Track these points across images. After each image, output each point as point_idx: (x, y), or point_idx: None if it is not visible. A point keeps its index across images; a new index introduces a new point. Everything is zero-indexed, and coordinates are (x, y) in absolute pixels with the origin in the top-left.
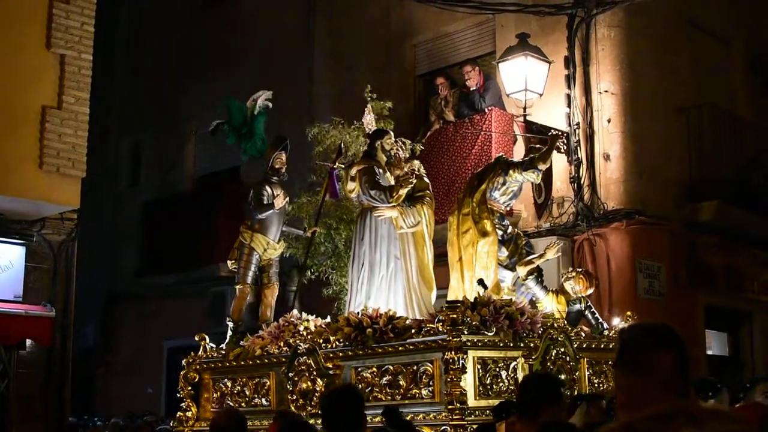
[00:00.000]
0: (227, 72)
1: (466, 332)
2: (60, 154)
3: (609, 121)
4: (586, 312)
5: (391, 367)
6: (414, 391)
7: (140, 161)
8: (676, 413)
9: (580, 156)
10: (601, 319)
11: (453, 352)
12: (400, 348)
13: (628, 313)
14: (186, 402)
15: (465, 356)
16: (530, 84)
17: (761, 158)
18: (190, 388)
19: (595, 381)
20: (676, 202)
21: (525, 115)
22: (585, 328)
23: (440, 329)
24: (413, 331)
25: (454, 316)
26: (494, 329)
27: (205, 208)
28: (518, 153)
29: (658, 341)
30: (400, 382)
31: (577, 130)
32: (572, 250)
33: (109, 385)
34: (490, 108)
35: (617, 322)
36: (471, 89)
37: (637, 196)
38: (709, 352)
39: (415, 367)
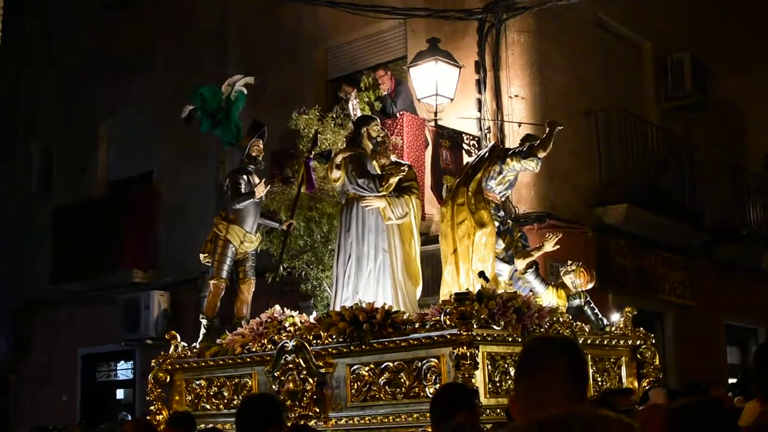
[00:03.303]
0: (138, 75)
1: (475, 326)
2: None
3: (519, 125)
4: (585, 307)
5: (391, 364)
6: (417, 389)
7: (51, 166)
8: (568, 418)
9: None
10: (600, 315)
11: (464, 347)
12: (402, 343)
13: (628, 309)
14: (156, 405)
15: (476, 351)
16: (441, 89)
17: (669, 162)
18: (160, 390)
19: (599, 379)
20: (586, 205)
21: (436, 120)
22: (583, 325)
23: (447, 323)
24: (416, 325)
25: (464, 309)
26: (502, 323)
27: (118, 214)
28: (429, 157)
29: (555, 350)
30: (402, 380)
31: (488, 135)
32: None
33: (22, 393)
34: (401, 113)
35: (616, 318)
36: (383, 94)
37: (547, 199)
38: None
39: (418, 364)
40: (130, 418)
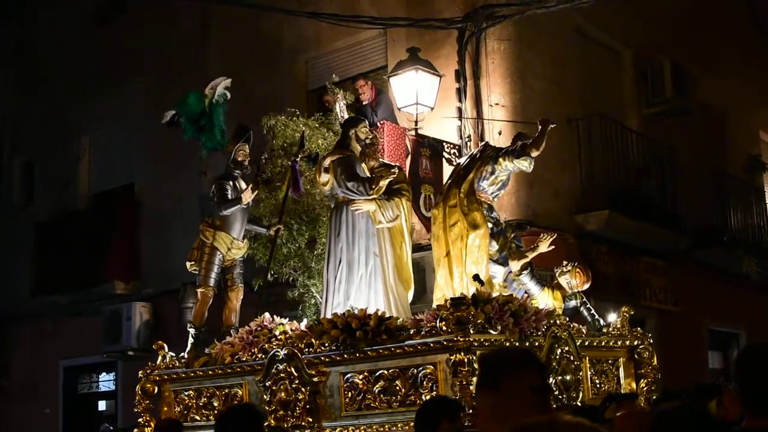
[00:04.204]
0: (120, 88)
1: (472, 331)
2: None
3: (500, 133)
4: (582, 308)
5: (386, 372)
6: (413, 396)
7: (33, 179)
8: (538, 426)
9: None
10: (597, 316)
11: (462, 353)
12: (397, 350)
13: (624, 309)
14: (144, 417)
15: (474, 357)
16: (421, 98)
17: (651, 168)
18: (148, 401)
19: (597, 381)
20: (567, 212)
21: (416, 129)
22: (580, 326)
23: (444, 329)
24: (412, 331)
25: (460, 314)
26: (499, 327)
27: (100, 226)
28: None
29: (518, 361)
30: (397, 388)
31: (468, 143)
32: None
33: (4, 406)
34: (382, 122)
35: (613, 318)
36: (363, 103)
37: (528, 206)
38: None
39: (414, 371)
40: (112, 429)
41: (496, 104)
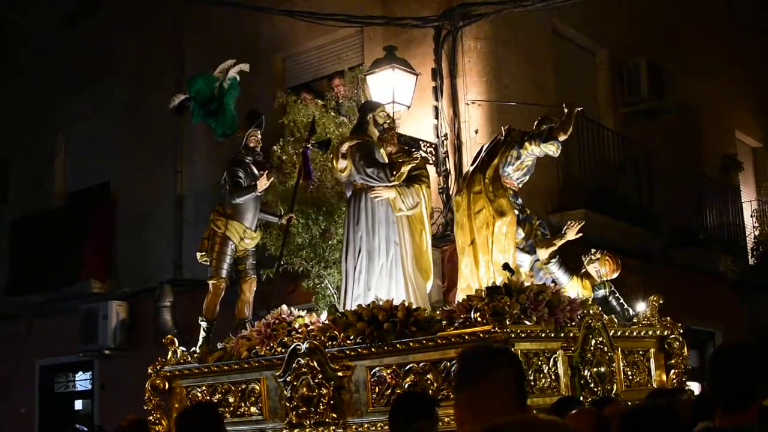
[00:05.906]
0: (97, 86)
1: (508, 322)
2: None
3: (477, 131)
4: (610, 297)
5: (416, 365)
6: (446, 391)
7: (8, 177)
8: (514, 425)
9: (448, 167)
10: (626, 305)
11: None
12: (429, 343)
13: (653, 297)
14: (155, 414)
15: (512, 349)
16: (398, 96)
17: (627, 167)
18: (158, 398)
19: (629, 372)
20: (543, 211)
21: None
22: (613, 316)
23: (479, 320)
24: (444, 323)
25: (496, 304)
26: (534, 318)
27: (76, 225)
28: None
29: (497, 358)
30: (429, 382)
31: (445, 142)
32: (442, 261)
33: None
34: None
35: (642, 308)
36: (339, 102)
37: None
38: None
39: (447, 364)
40: (86, 429)
41: (473, 102)
